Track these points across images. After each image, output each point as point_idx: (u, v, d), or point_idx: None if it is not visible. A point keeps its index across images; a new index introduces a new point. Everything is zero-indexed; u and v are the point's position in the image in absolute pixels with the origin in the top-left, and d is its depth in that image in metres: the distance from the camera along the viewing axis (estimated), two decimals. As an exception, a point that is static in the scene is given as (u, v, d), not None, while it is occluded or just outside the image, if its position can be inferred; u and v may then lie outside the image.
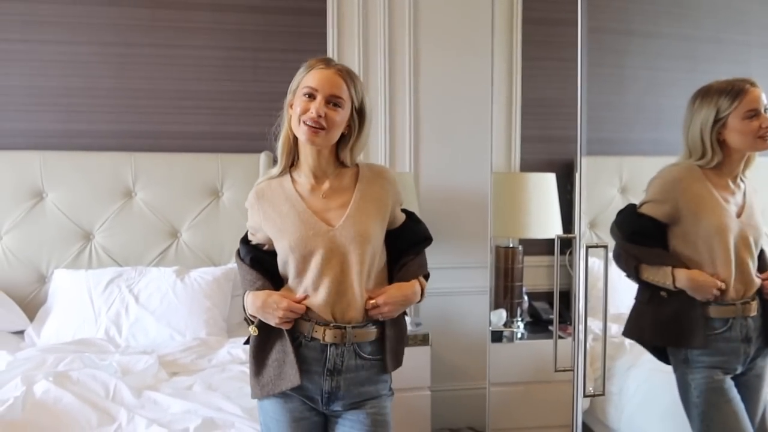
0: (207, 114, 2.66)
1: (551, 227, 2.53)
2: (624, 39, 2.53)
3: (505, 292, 2.58)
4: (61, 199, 2.49)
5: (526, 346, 2.47)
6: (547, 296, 2.84)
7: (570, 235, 2.17)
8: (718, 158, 1.78)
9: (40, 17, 2.53)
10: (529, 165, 2.84)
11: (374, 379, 1.49)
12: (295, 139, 1.47)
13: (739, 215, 1.78)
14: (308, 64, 1.46)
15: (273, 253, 1.51)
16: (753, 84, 1.77)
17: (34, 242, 2.47)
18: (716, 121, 1.77)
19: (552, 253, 2.77)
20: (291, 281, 1.47)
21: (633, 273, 1.84)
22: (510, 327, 2.52)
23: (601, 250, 1.85)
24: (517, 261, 2.58)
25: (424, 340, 2.37)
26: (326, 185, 1.48)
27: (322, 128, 1.39)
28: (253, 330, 1.46)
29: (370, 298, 1.45)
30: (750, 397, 1.79)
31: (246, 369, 1.53)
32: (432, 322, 2.71)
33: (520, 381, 2.43)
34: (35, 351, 2.08)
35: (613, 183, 2.57)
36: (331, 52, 2.71)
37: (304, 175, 1.49)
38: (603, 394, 1.98)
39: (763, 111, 1.75)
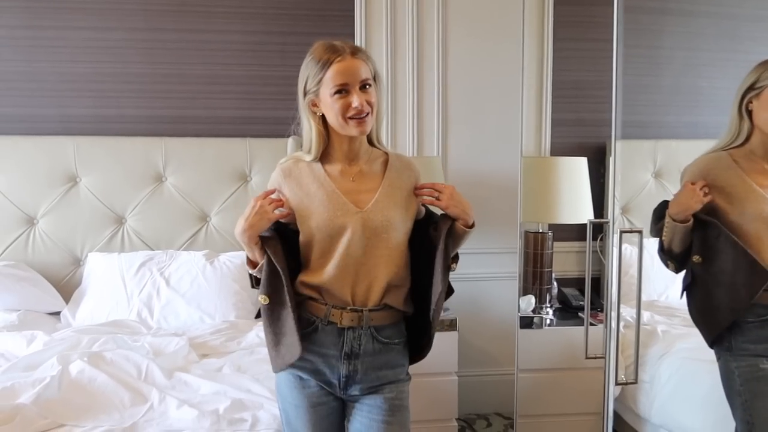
0: (235, 99, 2.67)
1: (582, 212, 2.48)
2: (660, 18, 2.46)
3: (534, 278, 2.54)
4: (94, 184, 2.54)
5: (555, 333, 2.44)
6: (577, 282, 2.81)
7: (603, 220, 2.12)
8: (748, 128, 1.70)
9: (70, 4, 2.56)
10: (560, 149, 2.79)
11: (391, 363, 1.49)
12: (327, 132, 1.46)
13: None
14: (321, 59, 1.39)
15: (295, 231, 1.49)
16: None
17: (69, 226, 2.52)
18: (751, 88, 1.69)
19: (582, 239, 2.74)
20: (314, 261, 1.46)
21: (665, 251, 1.76)
22: (539, 313, 2.49)
23: (634, 236, 1.81)
24: (546, 246, 2.54)
25: (451, 325, 2.35)
26: (356, 169, 1.48)
27: (367, 114, 1.40)
28: (263, 299, 1.42)
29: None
30: None
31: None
32: (460, 307, 2.69)
33: (549, 368, 2.40)
34: (70, 332, 2.13)
35: (647, 167, 2.52)
36: (359, 35, 2.68)
37: (335, 159, 1.49)
38: (635, 382, 1.94)
39: None
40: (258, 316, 1.52)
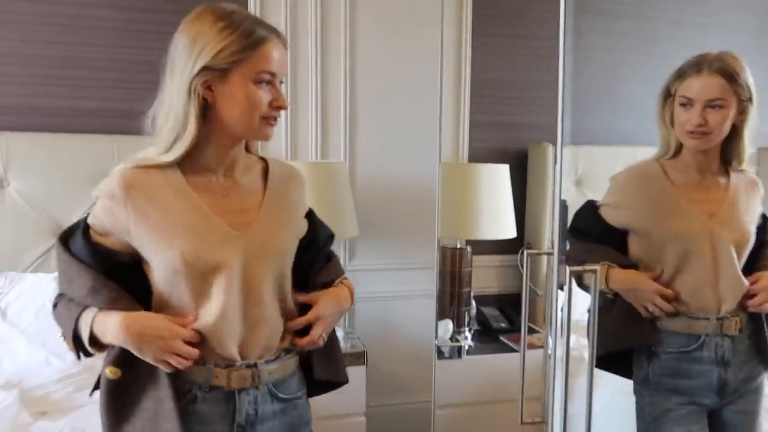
0: (100, 87, 2.27)
1: (504, 227, 2.32)
2: (580, 17, 2.34)
3: (451, 298, 2.35)
4: None
5: (474, 363, 2.23)
6: (496, 300, 2.65)
7: (543, 252, 1.90)
8: (674, 141, 1.53)
9: None
10: (479, 154, 2.61)
11: (297, 424, 1.22)
12: (203, 127, 1.12)
13: (712, 216, 1.52)
14: (249, 32, 1.09)
15: (128, 265, 1.15)
16: (710, 66, 1.47)
17: None
18: (667, 96, 1.54)
19: (503, 252, 2.60)
20: (180, 307, 1.12)
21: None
22: (457, 339, 2.26)
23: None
24: (465, 264, 2.36)
25: (358, 357, 2.07)
26: (231, 182, 1.17)
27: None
28: (112, 372, 1.10)
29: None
30: None
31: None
32: (369, 330, 2.46)
33: (468, 401, 2.20)
34: None
35: (568, 175, 2.34)
36: (253, 17, 2.35)
37: (204, 168, 1.15)
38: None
39: (701, 105, 1.46)
40: (96, 388, 1.17)
